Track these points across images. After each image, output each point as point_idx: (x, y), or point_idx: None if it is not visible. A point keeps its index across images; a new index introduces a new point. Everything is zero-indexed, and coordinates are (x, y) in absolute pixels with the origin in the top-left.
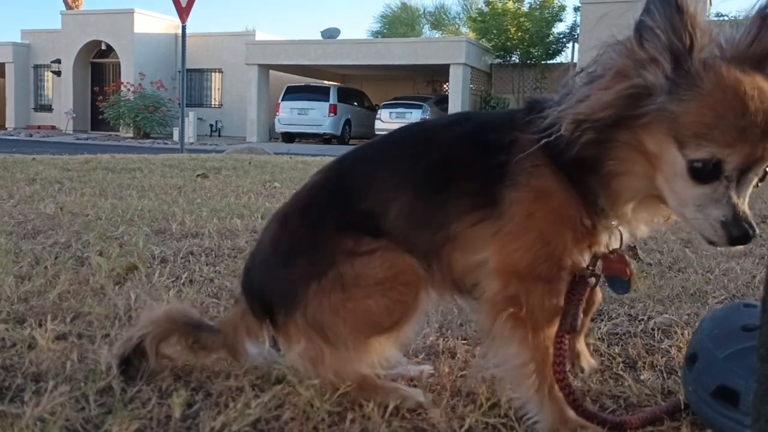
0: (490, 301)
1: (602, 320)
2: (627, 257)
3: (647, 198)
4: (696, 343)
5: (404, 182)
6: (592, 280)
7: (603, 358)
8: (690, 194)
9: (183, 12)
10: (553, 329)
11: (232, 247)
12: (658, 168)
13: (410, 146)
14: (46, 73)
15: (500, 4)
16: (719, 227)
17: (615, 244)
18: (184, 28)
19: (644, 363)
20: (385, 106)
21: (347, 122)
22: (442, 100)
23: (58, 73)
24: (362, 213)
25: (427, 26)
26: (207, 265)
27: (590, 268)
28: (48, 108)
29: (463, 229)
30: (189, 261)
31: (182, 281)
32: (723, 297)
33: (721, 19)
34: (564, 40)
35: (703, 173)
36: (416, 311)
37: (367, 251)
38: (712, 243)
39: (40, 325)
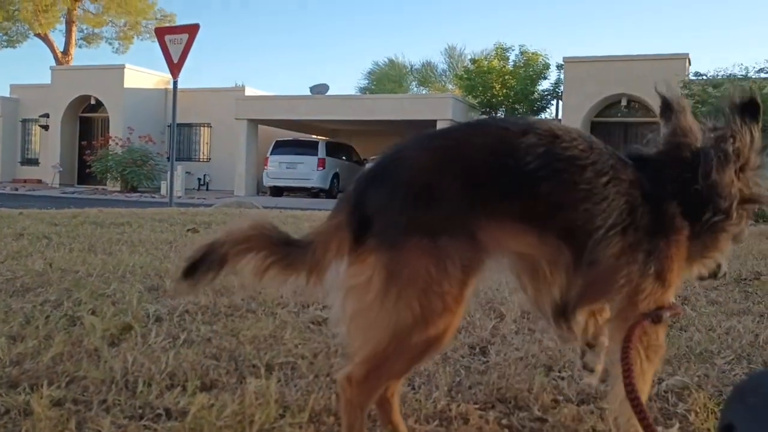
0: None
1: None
2: None
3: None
4: (731, 412)
5: (603, 211)
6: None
7: None
8: None
9: (175, 68)
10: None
11: (228, 304)
12: None
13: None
14: (33, 127)
15: (486, 62)
16: None
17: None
18: (175, 83)
19: (665, 429)
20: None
21: (335, 176)
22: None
23: (45, 128)
24: (544, 203)
25: (414, 83)
26: (204, 324)
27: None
28: (35, 162)
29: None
30: (185, 320)
31: (180, 342)
32: (730, 357)
33: (700, 78)
34: (548, 97)
35: None
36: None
37: (478, 253)
38: None
39: (34, 390)
